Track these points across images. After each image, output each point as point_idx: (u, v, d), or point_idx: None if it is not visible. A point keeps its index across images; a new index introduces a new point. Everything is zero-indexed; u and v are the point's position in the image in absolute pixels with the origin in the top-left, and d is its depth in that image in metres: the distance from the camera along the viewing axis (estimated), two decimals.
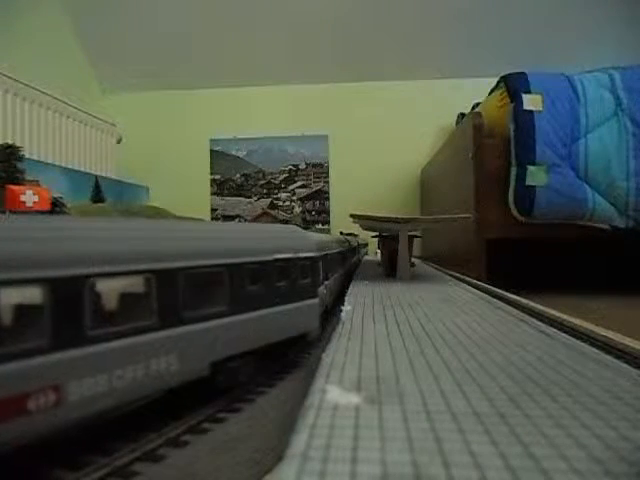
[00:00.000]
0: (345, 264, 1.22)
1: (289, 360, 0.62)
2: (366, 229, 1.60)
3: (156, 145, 3.22)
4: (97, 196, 2.04)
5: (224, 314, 0.44)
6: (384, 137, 3.15)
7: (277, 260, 0.52)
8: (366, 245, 2.61)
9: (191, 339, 0.41)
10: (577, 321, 0.74)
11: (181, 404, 0.44)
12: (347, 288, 0.98)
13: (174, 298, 0.39)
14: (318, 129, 3.22)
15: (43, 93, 2.20)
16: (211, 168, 3.29)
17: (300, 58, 3.03)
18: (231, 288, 0.45)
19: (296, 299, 0.56)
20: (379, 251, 1.56)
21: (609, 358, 0.42)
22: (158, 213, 1.46)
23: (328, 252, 0.85)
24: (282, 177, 3.27)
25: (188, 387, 0.41)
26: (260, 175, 3.28)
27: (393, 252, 1.25)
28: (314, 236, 0.70)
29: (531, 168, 1.50)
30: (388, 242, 1.31)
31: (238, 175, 3.29)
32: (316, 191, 3.25)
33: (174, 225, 0.47)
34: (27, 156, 1.35)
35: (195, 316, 0.41)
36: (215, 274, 0.44)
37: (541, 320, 0.65)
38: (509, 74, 1.65)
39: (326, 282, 0.79)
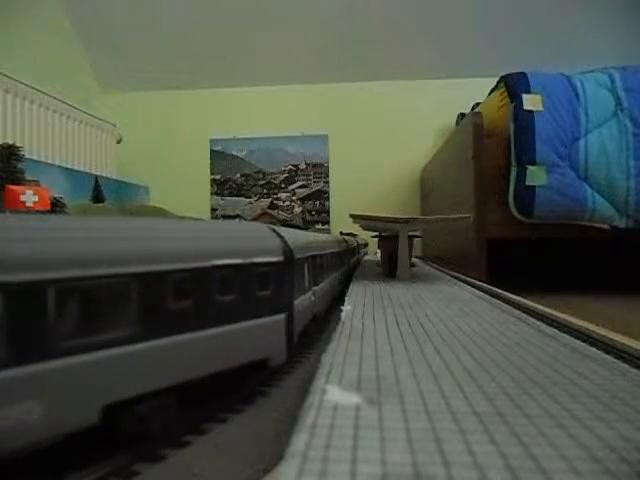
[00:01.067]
0: (343, 265, 1.21)
1: (236, 396, 0.48)
2: (366, 229, 1.60)
3: (156, 145, 3.22)
4: (97, 196, 2.04)
5: (129, 340, 0.33)
6: (384, 137, 3.15)
7: (217, 267, 0.40)
8: (366, 245, 2.61)
9: (68, 377, 0.30)
10: (577, 321, 0.74)
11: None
12: (347, 288, 0.98)
13: (37, 323, 0.29)
14: (318, 129, 3.22)
15: (43, 93, 2.20)
16: (211, 168, 3.29)
17: (300, 58, 3.03)
18: (142, 305, 0.34)
19: (249, 316, 0.44)
20: (379, 251, 1.56)
21: (609, 358, 0.42)
22: (159, 213, 1.46)
23: (318, 253, 0.75)
24: (282, 177, 3.27)
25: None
26: (260, 175, 3.28)
27: (393, 252, 1.25)
28: (291, 236, 0.58)
29: (531, 168, 1.50)
30: (388, 242, 1.31)
31: (238, 175, 3.29)
32: (316, 191, 3.25)
33: (55, 222, 0.35)
34: (27, 156, 1.35)
35: (77, 345, 0.30)
36: (115, 287, 0.33)
37: (541, 320, 0.65)
38: (509, 74, 1.65)
39: (314, 288, 0.69)
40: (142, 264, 0.35)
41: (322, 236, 1.01)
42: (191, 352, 0.38)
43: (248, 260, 0.45)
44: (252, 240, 0.48)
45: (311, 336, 0.73)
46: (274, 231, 0.53)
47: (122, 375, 0.33)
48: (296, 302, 0.55)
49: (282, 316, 0.49)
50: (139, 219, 0.44)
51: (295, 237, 0.60)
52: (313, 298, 0.68)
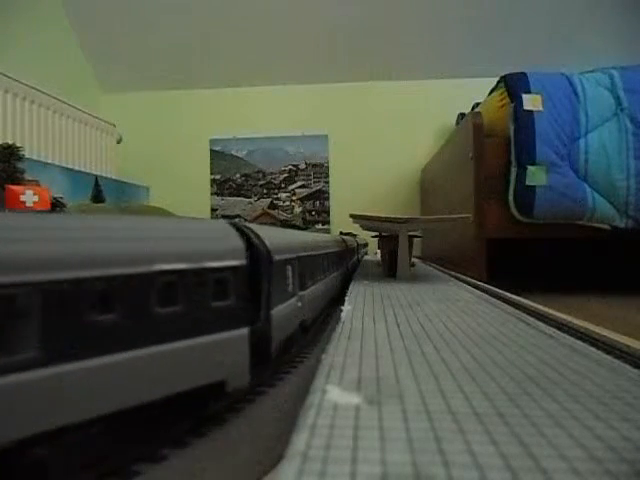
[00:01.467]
0: (341, 265, 1.18)
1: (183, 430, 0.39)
2: (366, 229, 1.60)
3: (156, 145, 3.22)
4: (97, 196, 2.04)
5: (23, 366, 0.26)
6: (384, 137, 3.15)
7: (160, 273, 0.34)
8: (366, 245, 2.61)
9: None
10: (577, 321, 0.74)
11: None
12: (347, 289, 0.98)
13: None
14: (318, 129, 3.22)
15: (43, 93, 2.20)
16: (211, 168, 3.29)
17: (300, 58, 3.03)
18: (48, 321, 0.27)
19: (199, 332, 0.36)
20: (379, 251, 1.56)
21: (609, 358, 0.42)
22: (159, 213, 1.46)
23: (309, 254, 0.68)
24: (282, 177, 3.27)
25: None
26: (260, 175, 3.29)
27: (393, 252, 1.25)
28: (271, 235, 0.51)
29: (531, 168, 1.50)
30: (388, 242, 1.31)
31: (238, 175, 3.30)
32: (316, 191, 3.25)
33: None
34: (27, 156, 1.35)
35: None
36: (6, 299, 0.26)
37: (541, 320, 0.65)
38: (509, 74, 1.65)
39: (301, 293, 0.62)
40: (45, 271, 0.27)
41: (316, 235, 0.97)
42: (118, 377, 0.30)
43: (199, 265, 0.37)
44: (206, 241, 0.40)
45: (300, 344, 0.67)
46: (240, 230, 0.45)
47: (13, 410, 0.25)
48: (274, 310, 0.47)
49: (245, 330, 0.41)
50: (57, 215, 0.36)
51: (277, 236, 0.54)
52: (300, 304, 0.61)
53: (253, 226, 0.48)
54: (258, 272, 0.44)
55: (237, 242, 0.43)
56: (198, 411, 0.40)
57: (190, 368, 0.36)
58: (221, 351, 0.38)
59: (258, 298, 0.44)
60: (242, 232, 0.45)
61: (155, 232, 0.37)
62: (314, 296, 0.72)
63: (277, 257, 0.49)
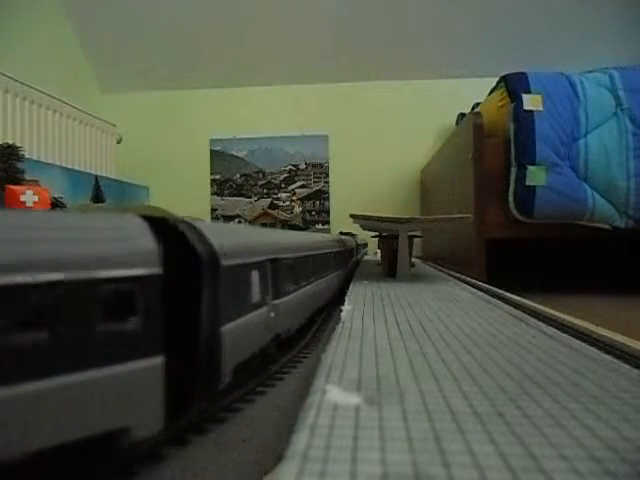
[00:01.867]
0: (339, 267, 1.13)
1: None
2: (366, 229, 1.60)
3: (156, 145, 3.22)
4: (97, 196, 2.04)
5: None
6: (384, 137, 3.15)
7: (14, 287, 0.23)
8: (366, 245, 2.61)
9: None
10: (577, 321, 0.74)
11: None
12: (347, 289, 0.98)
13: None
14: (318, 129, 3.22)
15: (43, 93, 2.20)
16: (211, 168, 3.29)
17: (300, 58, 3.03)
18: None
19: (82, 366, 0.26)
20: (379, 251, 1.56)
21: (609, 358, 0.42)
22: (158, 212, 1.46)
23: (286, 256, 0.59)
24: (282, 177, 3.27)
25: None
26: (260, 175, 3.29)
27: (393, 252, 1.25)
28: (225, 233, 0.43)
29: (531, 168, 1.50)
30: (388, 242, 1.32)
31: (238, 175, 3.29)
32: (316, 191, 3.25)
33: None
34: (27, 156, 1.35)
35: None
36: None
37: (541, 320, 0.65)
38: (509, 74, 1.65)
39: (275, 301, 0.54)
40: None
41: (308, 235, 0.89)
42: None
43: (79, 275, 0.26)
44: (97, 243, 0.29)
45: (276, 361, 0.59)
46: (169, 227, 0.35)
47: None
48: (227, 327, 0.38)
49: (157, 359, 0.30)
50: None
51: (238, 236, 0.46)
52: (273, 314, 0.52)
53: (200, 224, 0.39)
54: (196, 281, 0.35)
55: (148, 244, 0.32)
56: (87, 468, 0.29)
57: (64, 415, 0.25)
58: (115, 390, 0.28)
59: (196, 314, 0.34)
60: (176, 231, 0.35)
61: (20, 232, 0.26)
62: (295, 304, 0.62)
63: (229, 261, 0.39)
